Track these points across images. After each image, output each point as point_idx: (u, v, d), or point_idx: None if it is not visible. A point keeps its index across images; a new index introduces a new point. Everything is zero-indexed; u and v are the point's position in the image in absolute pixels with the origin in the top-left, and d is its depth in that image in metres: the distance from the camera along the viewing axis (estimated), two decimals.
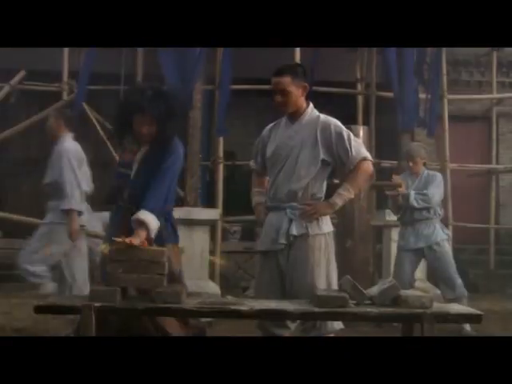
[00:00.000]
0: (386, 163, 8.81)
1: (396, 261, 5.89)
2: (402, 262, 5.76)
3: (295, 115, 3.53)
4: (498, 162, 10.06)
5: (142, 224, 3.20)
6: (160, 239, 3.35)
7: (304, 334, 3.36)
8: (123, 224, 3.38)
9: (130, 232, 3.25)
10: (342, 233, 5.82)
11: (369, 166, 3.50)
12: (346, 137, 3.44)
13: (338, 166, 3.55)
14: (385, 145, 8.71)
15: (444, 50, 8.68)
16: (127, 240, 3.01)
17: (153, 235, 3.24)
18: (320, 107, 3.64)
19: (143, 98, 3.37)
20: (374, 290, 3.00)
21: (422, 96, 8.52)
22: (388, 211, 7.40)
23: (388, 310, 2.88)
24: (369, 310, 2.87)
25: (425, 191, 5.65)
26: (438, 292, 5.99)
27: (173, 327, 3.31)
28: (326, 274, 3.44)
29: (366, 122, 8.79)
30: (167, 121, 3.39)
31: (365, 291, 2.97)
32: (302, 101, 3.52)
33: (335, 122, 3.51)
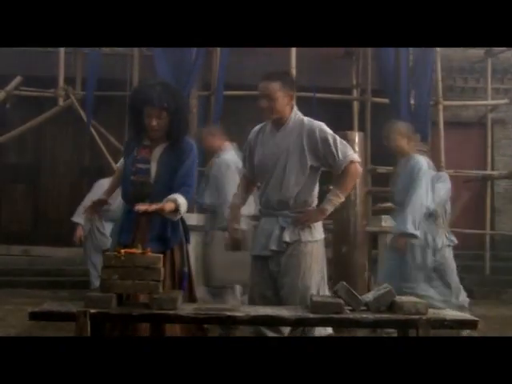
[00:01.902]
0: (382, 169, 8.82)
1: None
2: None
3: (280, 122, 3.51)
4: (493, 168, 10.08)
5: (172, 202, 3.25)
6: (175, 239, 3.41)
7: None
8: (137, 229, 3.38)
9: (144, 240, 3.28)
10: (338, 239, 5.81)
11: (356, 169, 3.48)
12: (331, 141, 3.42)
13: (327, 169, 3.55)
14: (380, 151, 8.70)
15: (439, 55, 8.71)
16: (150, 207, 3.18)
17: (178, 217, 3.31)
18: (315, 113, 3.64)
19: (152, 91, 3.40)
20: (369, 296, 3.00)
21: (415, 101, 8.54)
22: (384, 217, 7.40)
23: (383, 316, 2.88)
24: (364, 315, 2.86)
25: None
26: None
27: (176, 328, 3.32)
28: (317, 280, 3.45)
29: (361, 128, 8.81)
30: (177, 115, 3.40)
31: (360, 297, 2.97)
32: (288, 109, 3.50)
33: (320, 126, 3.48)
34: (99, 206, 3.69)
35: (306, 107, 3.67)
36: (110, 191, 3.77)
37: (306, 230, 3.45)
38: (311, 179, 3.48)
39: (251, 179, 3.73)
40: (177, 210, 3.27)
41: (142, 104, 3.40)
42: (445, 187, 5.63)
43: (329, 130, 3.48)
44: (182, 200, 3.29)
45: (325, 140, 3.42)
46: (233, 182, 4.99)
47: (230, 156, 5.35)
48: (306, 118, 3.52)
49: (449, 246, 5.61)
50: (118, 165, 3.84)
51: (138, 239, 3.30)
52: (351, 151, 3.48)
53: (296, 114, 3.53)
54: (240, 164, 5.00)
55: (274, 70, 3.56)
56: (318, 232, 3.50)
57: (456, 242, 5.66)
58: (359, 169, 3.52)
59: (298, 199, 3.45)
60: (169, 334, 3.28)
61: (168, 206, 3.24)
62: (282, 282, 3.43)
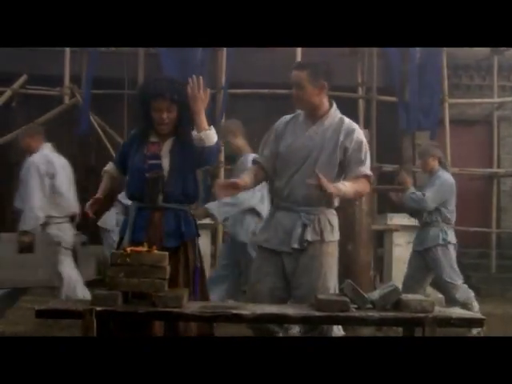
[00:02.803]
0: (388, 167, 8.81)
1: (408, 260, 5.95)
2: (410, 261, 5.84)
3: (316, 115, 3.43)
4: (499, 166, 10.05)
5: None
6: (188, 233, 3.39)
7: None
8: (150, 227, 3.36)
9: (159, 236, 3.29)
10: (343, 236, 5.80)
11: (369, 184, 3.44)
12: (364, 149, 3.40)
13: (341, 170, 3.44)
14: (386, 149, 8.72)
15: (445, 53, 8.69)
16: None
17: (204, 131, 3.30)
18: None
19: (161, 84, 3.39)
20: (375, 294, 2.99)
21: (424, 99, 8.53)
22: (390, 215, 7.40)
23: (389, 315, 2.88)
24: (370, 314, 2.86)
25: (417, 191, 5.60)
26: (440, 296, 5.98)
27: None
28: (335, 280, 3.42)
29: (366, 127, 8.81)
30: (185, 109, 3.37)
31: (366, 295, 2.97)
32: (319, 100, 3.40)
33: (358, 129, 3.44)
34: (97, 205, 3.67)
35: None
36: (104, 192, 3.70)
37: (328, 230, 3.38)
38: (336, 178, 3.38)
39: (265, 167, 3.50)
40: (209, 126, 3.31)
41: (152, 97, 3.36)
42: (435, 195, 5.51)
43: (364, 137, 3.44)
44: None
45: (359, 145, 3.38)
46: (37, 187, 4.99)
47: (40, 158, 5.20)
48: (346, 119, 3.45)
49: (440, 245, 5.56)
50: (108, 168, 3.77)
51: (151, 236, 3.29)
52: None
53: (336, 111, 3.45)
54: (52, 167, 5.08)
55: (308, 60, 3.52)
56: (336, 232, 3.44)
57: (451, 241, 5.61)
58: (369, 186, 3.47)
59: (322, 197, 3.30)
60: (183, 333, 3.26)
61: (205, 119, 3.31)
62: (299, 281, 3.34)
